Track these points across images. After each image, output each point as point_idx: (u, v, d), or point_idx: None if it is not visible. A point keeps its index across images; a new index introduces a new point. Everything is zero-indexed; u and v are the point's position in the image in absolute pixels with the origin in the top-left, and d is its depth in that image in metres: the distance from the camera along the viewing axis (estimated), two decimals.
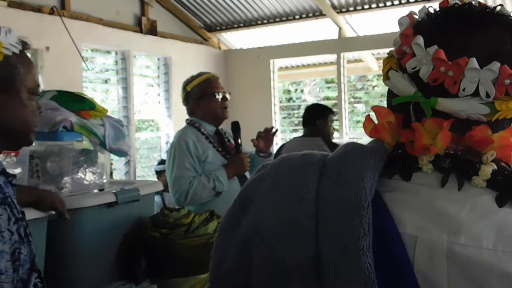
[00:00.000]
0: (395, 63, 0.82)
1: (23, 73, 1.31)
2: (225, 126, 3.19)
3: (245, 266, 0.80)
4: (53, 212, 1.83)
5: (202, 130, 3.01)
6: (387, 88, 0.85)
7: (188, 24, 6.60)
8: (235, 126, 3.03)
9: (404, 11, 5.49)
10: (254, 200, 0.83)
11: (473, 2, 0.79)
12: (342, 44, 6.31)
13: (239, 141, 3.01)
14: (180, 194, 2.83)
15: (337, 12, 6.07)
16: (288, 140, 5.07)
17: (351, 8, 6.00)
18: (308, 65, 7.43)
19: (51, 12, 4.69)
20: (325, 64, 7.20)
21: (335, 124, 5.11)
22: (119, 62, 5.54)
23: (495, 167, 0.75)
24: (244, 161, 2.97)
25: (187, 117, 3.13)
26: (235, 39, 7.14)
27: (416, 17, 0.82)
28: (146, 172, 5.98)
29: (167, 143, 6.10)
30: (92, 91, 5.26)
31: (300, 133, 5.52)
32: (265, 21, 6.51)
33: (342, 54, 6.32)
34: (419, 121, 0.78)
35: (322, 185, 0.78)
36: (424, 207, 0.74)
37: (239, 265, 0.82)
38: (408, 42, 0.78)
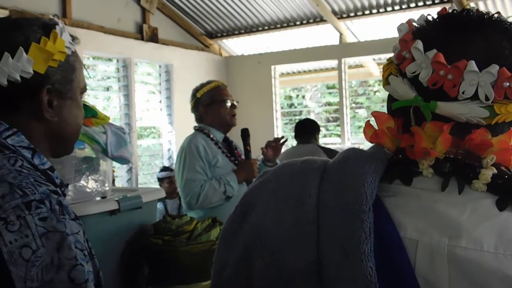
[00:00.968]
0: (394, 69, 0.83)
1: (79, 73, 1.20)
2: (231, 135, 3.23)
3: (246, 272, 0.81)
4: None
5: (211, 136, 3.06)
6: (388, 93, 0.86)
7: (189, 31, 6.61)
8: (245, 133, 3.07)
9: (404, 16, 5.52)
10: (255, 206, 0.83)
11: (471, 9, 0.80)
12: (343, 49, 6.32)
13: (249, 147, 3.06)
14: (191, 197, 2.88)
15: (338, 18, 6.09)
16: (290, 146, 5.17)
17: (352, 14, 6.01)
18: (310, 71, 7.44)
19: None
20: (326, 69, 7.21)
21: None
22: (121, 69, 5.56)
23: (495, 171, 0.76)
24: (253, 167, 3.02)
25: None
26: (236, 45, 7.15)
27: (415, 24, 0.83)
28: (148, 179, 5.98)
29: (169, 150, 6.11)
30: (94, 99, 5.27)
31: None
32: (266, 27, 6.53)
33: (343, 60, 6.33)
34: (419, 125, 0.78)
35: (323, 190, 0.78)
36: (425, 211, 0.75)
37: (241, 271, 0.82)
38: (407, 47, 0.79)
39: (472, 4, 5.29)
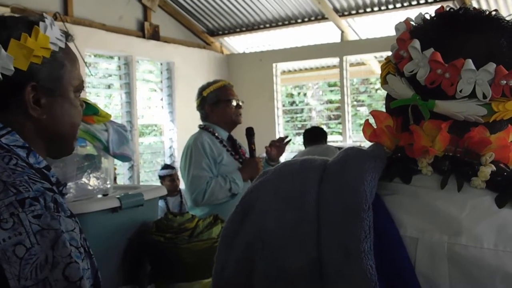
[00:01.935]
0: (392, 68, 0.83)
1: (69, 70, 1.17)
2: (235, 133, 3.26)
3: (247, 272, 0.80)
4: None
5: (216, 134, 3.10)
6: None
7: (190, 29, 6.62)
8: (250, 132, 3.10)
9: (406, 14, 5.52)
10: (255, 206, 0.83)
11: (469, 7, 0.80)
12: (344, 47, 6.32)
13: (253, 146, 3.09)
14: (198, 194, 2.92)
15: (339, 16, 6.08)
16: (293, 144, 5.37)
17: (353, 12, 6.01)
18: (311, 69, 7.44)
19: (54, 17, 4.69)
20: (328, 67, 7.21)
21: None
22: (122, 67, 5.56)
23: (494, 168, 0.76)
24: (258, 165, 3.06)
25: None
26: (238, 43, 7.15)
27: (413, 22, 0.83)
28: (149, 177, 5.99)
29: (170, 147, 6.11)
30: (95, 96, 5.28)
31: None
32: (267, 25, 6.52)
33: (344, 57, 6.33)
34: (418, 124, 0.79)
35: (322, 189, 0.78)
36: (425, 209, 0.75)
37: (241, 271, 0.82)
38: (405, 46, 0.79)
39: (473, 2, 5.28)
